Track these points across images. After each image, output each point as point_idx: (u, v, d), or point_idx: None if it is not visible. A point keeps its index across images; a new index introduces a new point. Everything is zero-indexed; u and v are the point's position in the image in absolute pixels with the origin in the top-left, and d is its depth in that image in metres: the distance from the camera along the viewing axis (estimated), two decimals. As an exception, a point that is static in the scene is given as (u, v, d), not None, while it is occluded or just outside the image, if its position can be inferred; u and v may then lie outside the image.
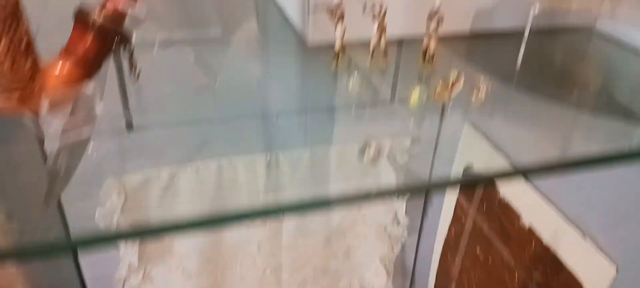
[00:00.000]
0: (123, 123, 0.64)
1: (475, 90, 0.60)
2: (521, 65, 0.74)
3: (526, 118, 0.67)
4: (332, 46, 0.65)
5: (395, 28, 0.72)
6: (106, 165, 0.86)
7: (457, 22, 0.77)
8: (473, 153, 0.92)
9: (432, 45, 0.65)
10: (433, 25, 0.64)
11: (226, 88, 0.68)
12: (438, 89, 0.59)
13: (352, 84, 0.60)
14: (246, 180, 0.94)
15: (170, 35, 0.73)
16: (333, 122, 0.72)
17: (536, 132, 0.65)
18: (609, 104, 0.68)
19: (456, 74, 0.60)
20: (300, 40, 0.74)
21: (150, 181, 0.95)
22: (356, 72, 0.59)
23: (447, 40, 0.78)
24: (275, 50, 0.78)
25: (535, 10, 0.71)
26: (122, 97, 0.65)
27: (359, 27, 0.64)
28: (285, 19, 0.81)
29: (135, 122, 0.65)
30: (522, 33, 0.75)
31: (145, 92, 0.64)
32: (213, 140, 0.82)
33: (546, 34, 0.78)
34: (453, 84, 0.60)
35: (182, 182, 0.97)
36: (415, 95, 0.58)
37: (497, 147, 0.83)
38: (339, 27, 0.64)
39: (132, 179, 0.93)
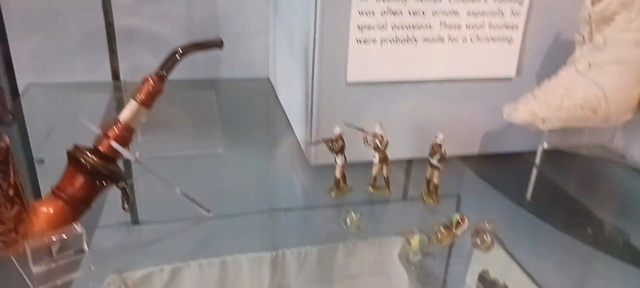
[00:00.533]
0: (128, 217, 0.64)
1: (481, 236, 0.57)
2: (533, 189, 0.71)
3: (540, 248, 0.63)
4: (335, 167, 0.64)
5: (398, 151, 0.70)
6: (109, 260, 0.85)
7: (463, 144, 0.75)
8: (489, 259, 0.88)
9: (436, 177, 0.63)
10: (436, 158, 0.62)
11: (229, 188, 0.68)
12: (439, 235, 0.56)
13: (350, 223, 0.58)
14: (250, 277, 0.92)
15: (176, 151, 0.74)
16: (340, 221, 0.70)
17: (551, 264, 0.61)
18: (625, 238, 0.64)
19: (459, 216, 0.57)
20: (304, 157, 0.73)
21: (152, 277, 0.94)
22: (353, 214, 0.58)
23: (453, 159, 0.76)
24: (280, 162, 0.78)
25: (543, 145, 0.68)
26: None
27: (362, 150, 0.62)
28: (292, 131, 0.80)
29: (141, 217, 0.65)
30: (532, 152, 0.72)
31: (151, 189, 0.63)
32: (217, 236, 0.81)
33: (557, 155, 0.74)
34: (457, 225, 0.57)
35: (185, 279, 0.95)
36: (415, 242, 0.56)
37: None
38: (339, 158, 0.62)
39: (134, 276, 0.92)
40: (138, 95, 0.52)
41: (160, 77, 0.53)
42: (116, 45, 0.90)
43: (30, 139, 0.78)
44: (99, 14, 0.87)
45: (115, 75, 0.92)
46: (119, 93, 0.90)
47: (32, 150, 0.74)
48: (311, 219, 0.66)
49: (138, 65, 0.91)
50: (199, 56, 0.93)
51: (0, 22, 0.85)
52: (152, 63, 0.92)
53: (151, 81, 0.52)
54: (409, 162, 0.74)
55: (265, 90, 0.99)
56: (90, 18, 0.88)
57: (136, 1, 0.89)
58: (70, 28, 0.89)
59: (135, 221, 0.65)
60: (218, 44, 0.57)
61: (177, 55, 0.54)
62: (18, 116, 0.85)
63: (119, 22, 0.88)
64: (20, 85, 0.89)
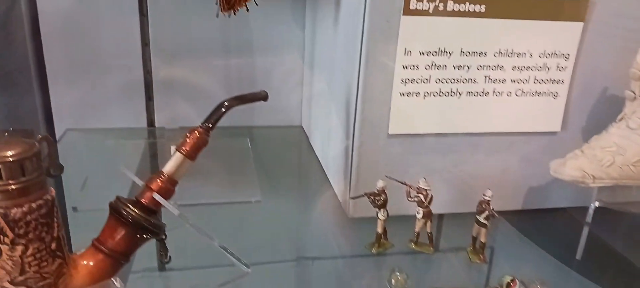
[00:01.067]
0: (155, 263, 0.62)
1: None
2: (583, 250, 0.68)
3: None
4: (373, 219, 0.62)
5: (441, 206, 0.68)
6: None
7: (507, 200, 0.73)
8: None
9: (483, 236, 0.60)
10: (484, 216, 0.59)
11: (264, 238, 0.66)
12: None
13: (395, 283, 0.55)
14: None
15: (211, 199, 0.73)
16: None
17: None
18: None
19: (510, 278, 0.54)
20: (342, 209, 0.71)
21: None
22: (398, 274, 0.55)
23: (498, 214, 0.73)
24: (317, 214, 0.76)
25: (595, 203, 0.65)
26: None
27: (405, 204, 0.60)
28: (328, 182, 0.79)
29: (174, 265, 0.63)
30: (577, 209, 0.69)
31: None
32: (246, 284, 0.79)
33: (605, 212, 0.71)
34: (508, 287, 0.54)
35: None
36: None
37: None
38: (381, 213, 0.60)
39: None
40: (183, 147, 0.51)
41: (207, 130, 0.52)
42: (153, 93, 0.91)
43: (63, 186, 0.78)
44: (138, 64, 0.88)
45: (151, 122, 0.92)
46: (153, 140, 0.90)
47: (66, 197, 0.73)
48: (349, 273, 0.64)
49: (174, 114, 0.92)
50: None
51: (42, 71, 0.87)
52: (188, 112, 0.94)
53: (197, 133, 0.52)
54: (455, 216, 0.72)
55: (298, 137, 0.98)
56: (130, 67, 0.89)
57: (175, 52, 0.90)
58: (110, 76, 0.90)
59: (162, 267, 0.64)
60: (262, 97, 0.57)
61: (222, 108, 0.54)
62: (53, 162, 0.86)
63: (157, 72, 0.89)
64: (59, 131, 0.90)
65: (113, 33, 0.88)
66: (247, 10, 0.63)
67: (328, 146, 0.80)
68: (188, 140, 0.51)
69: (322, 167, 0.84)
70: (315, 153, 0.89)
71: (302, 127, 1.01)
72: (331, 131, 0.76)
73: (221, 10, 0.61)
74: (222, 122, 0.97)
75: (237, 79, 0.95)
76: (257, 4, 0.63)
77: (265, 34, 0.95)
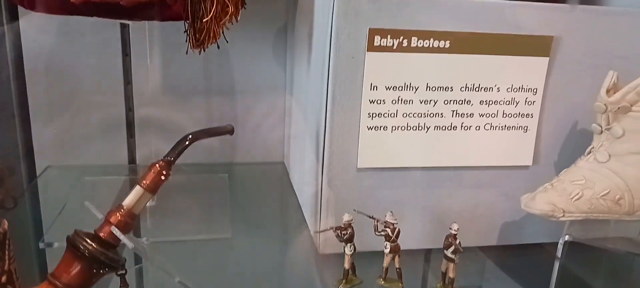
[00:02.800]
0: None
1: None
2: (556, 284, 0.66)
3: None
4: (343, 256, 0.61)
5: (412, 241, 0.67)
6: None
7: (481, 235, 0.72)
8: None
9: (451, 271, 0.59)
10: (451, 250, 0.59)
11: (233, 276, 0.65)
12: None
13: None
14: None
15: (184, 235, 0.72)
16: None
17: None
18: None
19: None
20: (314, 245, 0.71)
21: None
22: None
23: (473, 249, 0.72)
24: (289, 250, 0.75)
25: (565, 237, 0.64)
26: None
27: (374, 239, 0.60)
28: (304, 218, 0.79)
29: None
30: (554, 244, 0.68)
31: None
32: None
33: (581, 248, 0.70)
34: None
35: None
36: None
37: None
38: (348, 248, 0.60)
39: None
40: (143, 181, 0.51)
41: (168, 163, 0.52)
42: (135, 130, 0.92)
43: (43, 222, 0.78)
44: (121, 101, 0.89)
45: (132, 159, 0.93)
46: (133, 176, 0.90)
47: (44, 232, 0.73)
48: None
49: (155, 151, 0.92)
50: (215, 141, 0.95)
51: (24, 108, 0.88)
52: (166, 150, 0.94)
53: (157, 167, 0.52)
54: (427, 252, 0.71)
55: (280, 174, 0.98)
56: (112, 105, 0.90)
57: (156, 91, 0.92)
58: (92, 114, 0.91)
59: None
60: (228, 131, 0.58)
61: (186, 141, 0.54)
62: (33, 198, 0.86)
63: (138, 109, 0.90)
64: (40, 167, 0.91)
65: (96, 71, 0.89)
66: (218, 47, 0.64)
67: (303, 182, 0.80)
68: (149, 173, 0.51)
69: (299, 203, 0.83)
70: (294, 190, 0.89)
71: (284, 163, 1.01)
72: (305, 167, 0.76)
73: (191, 47, 0.63)
74: (204, 159, 0.98)
75: (219, 116, 0.96)
76: (227, 41, 0.64)
77: (247, 72, 0.96)
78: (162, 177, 0.52)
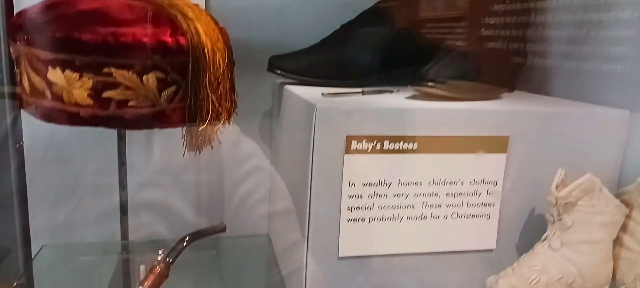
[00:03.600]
0: None
1: None
2: None
3: None
4: None
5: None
6: None
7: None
8: None
9: None
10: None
11: None
12: None
13: None
14: None
15: None
16: None
17: None
18: None
19: None
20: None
21: None
22: None
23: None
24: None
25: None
26: None
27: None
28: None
29: None
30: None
31: None
32: None
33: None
34: None
35: None
36: None
37: None
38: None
39: None
40: (145, 282, 0.57)
41: (167, 266, 0.58)
42: (128, 209, 0.97)
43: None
44: (115, 182, 0.95)
45: (125, 236, 0.98)
46: (126, 255, 0.95)
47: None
48: None
49: (147, 230, 0.98)
50: (204, 219, 1.01)
51: (23, 193, 0.93)
52: (158, 229, 0.99)
53: (158, 269, 0.58)
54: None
55: (265, 247, 1.04)
56: (107, 185, 0.96)
57: (148, 171, 0.97)
58: (88, 194, 0.96)
59: None
60: (221, 230, 0.64)
61: (184, 242, 0.60)
62: (29, 279, 0.90)
63: (131, 189, 0.96)
64: (35, 247, 0.95)
65: (92, 155, 0.95)
66: (212, 148, 0.71)
67: (286, 262, 0.86)
68: (149, 276, 0.57)
69: (283, 277, 0.89)
70: (278, 262, 0.94)
71: (268, 235, 1.07)
72: (288, 249, 0.82)
73: (187, 150, 0.69)
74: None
75: (207, 194, 1.02)
76: (220, 143, 0.71)
77: (234, 148, 1.03)
78: (162, 278, 0.58)
